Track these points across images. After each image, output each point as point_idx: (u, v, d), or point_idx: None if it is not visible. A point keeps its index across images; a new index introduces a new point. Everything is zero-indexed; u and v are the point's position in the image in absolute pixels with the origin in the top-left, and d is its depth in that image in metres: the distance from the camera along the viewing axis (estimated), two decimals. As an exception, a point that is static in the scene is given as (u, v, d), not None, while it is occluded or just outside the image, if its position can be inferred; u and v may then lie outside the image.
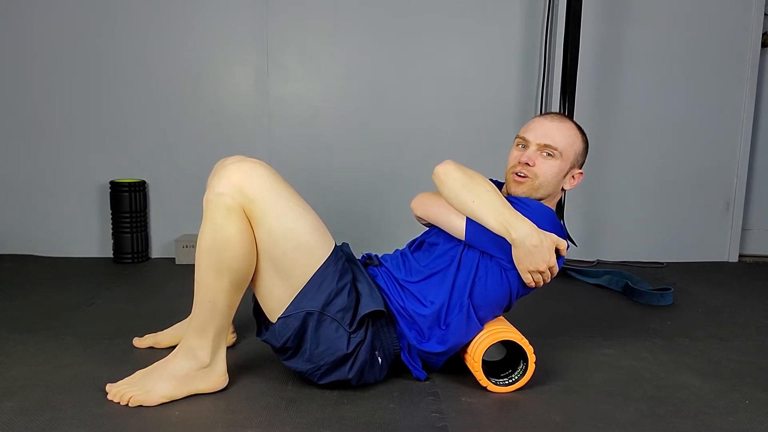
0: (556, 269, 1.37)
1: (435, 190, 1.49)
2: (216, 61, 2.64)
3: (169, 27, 2.60)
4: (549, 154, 1.44)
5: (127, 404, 1.30)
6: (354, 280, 1.42)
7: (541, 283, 1.38)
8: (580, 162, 1.49)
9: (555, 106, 2.59)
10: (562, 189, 1.50)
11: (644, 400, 1.41)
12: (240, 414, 1.30)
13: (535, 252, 1.32)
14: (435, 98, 2.70)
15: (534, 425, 1.28)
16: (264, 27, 2.62)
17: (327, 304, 1.34)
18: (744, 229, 2.91)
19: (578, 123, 1.52)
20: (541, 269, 1.34)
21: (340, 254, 1.42)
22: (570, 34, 2.48)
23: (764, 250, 2.97)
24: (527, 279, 1.36)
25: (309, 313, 1.33)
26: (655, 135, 2.77)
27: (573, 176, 1.49)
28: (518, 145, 1.49)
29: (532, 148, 1.45)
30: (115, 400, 1.32)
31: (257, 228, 1.30)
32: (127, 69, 2.61)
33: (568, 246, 1.42)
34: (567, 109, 2.51)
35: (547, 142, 1.44)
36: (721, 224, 2.86)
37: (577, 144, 1.47)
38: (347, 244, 1.56)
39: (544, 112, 1.53)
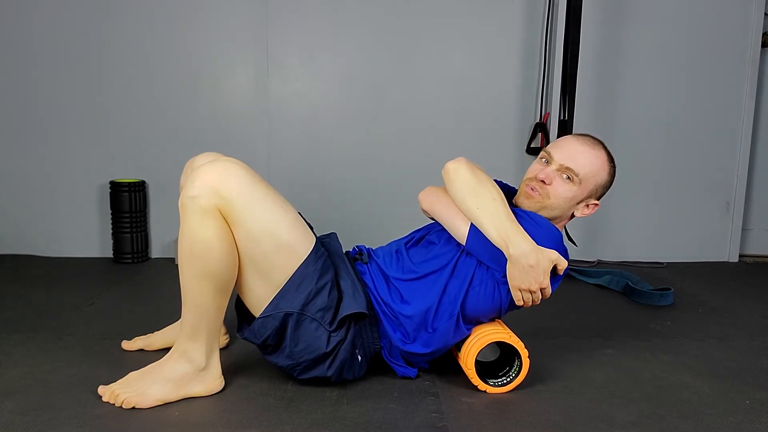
0: (549, 292, 1.34)
1: (443, 186, 1.46)
2: (216, 61, 2.64)
3: (168, 27, 2.59)
4: (568, 177, 1.40)
5: (121, 406, 1.30)
6: (337, 276, 1.41)
7: (530, 304, 1.36)
8: (599, 194, 1.45)
9: (555, 106, 2.59)
10: (573, 215, 1.46)
11: (644, 400, 1.41)
12: (239, 414, 1.30)
13: (529, 272, 1.28)
14: (435, 98, 2.70)
15: (534, 425, 1.28)
16: (264, 27, 2.62)
17: (306, 304, 1.33)
18: (744, 229, 2.91)
19: (611, 153, 1.45)
20: (533, 289, 1.31)
21: (321, 251, 1.39)
22: (570, 34, 2.47)
23: (764, 250, 2.97)
24: (517, 297, 1.34)
25: (288, 314, 1.33)
26: (655, 135, 2.77)
27: (587, 205, 1.45)
28: (542, 158, 1.45)
29: (554, 166, 1.41)
30: (111, 402, 1.31)
31: (235, 229, 1.28)
32: (127, 69, 2.60)
33: (567, 268, 1.38)
34: (567, 109, 2.51)
35: (570, 165, 1.39)
36: (721, 224, 2.85)
37: (602, 175, 1.42)
38: (335, 235, 1.54)
39: (579, 133, 1.48)
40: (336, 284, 1.39)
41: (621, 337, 1.83)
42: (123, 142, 2.65)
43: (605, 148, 1.45)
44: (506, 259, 1.30)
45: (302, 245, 1.35)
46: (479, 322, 1.46)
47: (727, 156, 2.81)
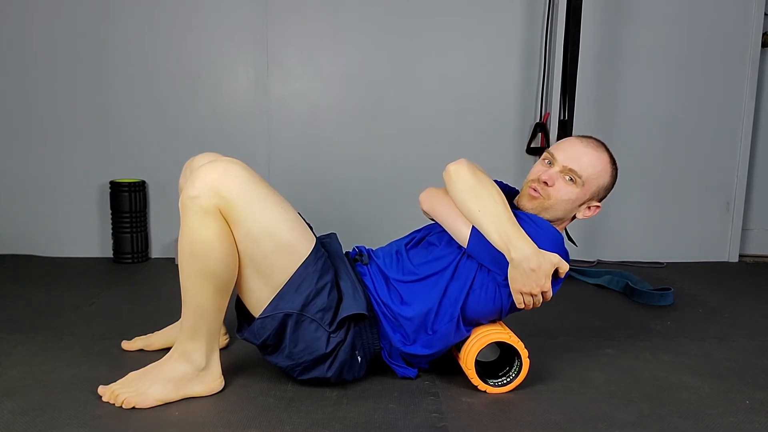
0: (550, 295, 1.34)
1: (444, 187, 1.45)
2: (216, 61, 2.64)
3: (169, 27, 2.59)
4: (571, 179, 1.40)
5: (121, 406, 1.30)
6: (336, 277, 1.40)
7: (531, 307, 1.36)
8: (601, 196, 1.45)
9: (555, 106, 2.59)
10: (574, 216, 1.46)
11: (644, 400, 1.41)
12: (239, 414, 1.30)
13: (531, 275, 1.29)
14: (435, 98, 2.70)
15: (534, 425, 1.28)
16: (264, 27, 2.62)
17: (306, 304, 1.33)
18: (744, 229, 2.91)
19: (613, 155, 1.45)
20: (534, 293, 1.31)
21: (321, 252, 1.39)
22: (570, 34, 2.48)
23: (764, 250, 2.97)
24: (518, 300, 1.34)
25: (287, 315, 1.32)
26: (655, 135, 2.77)
27: (589, 207, 1.45)
28: (544, 159, 1.44)
29: (556, 168, 1.41)
30: (111, 401, 1.31)
31: (235, 229, 1.28)
32: (127, 69, 2.60)
33: (569, 270, 1.38)
34: (567, 109, 2.51)
35: (573, 167, 1.39)
36: (721, 224, 2.85)
37: (604, 178, 1.42)
38: (335, 236, 1.54)
39: (581, 134, 1.48)
40: (336, 285, 1.39)
41: (621, 337, 1.83)
42: (123, 142, 2.65)
43: (608, 150, 1.45)
44: (507, 262, 1.30)
45: (302, 246, 1.34)
46: (479, 324, 1.46)
47: (727, 156, 2.81)
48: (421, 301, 1.41)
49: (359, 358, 1.41)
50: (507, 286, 1.35)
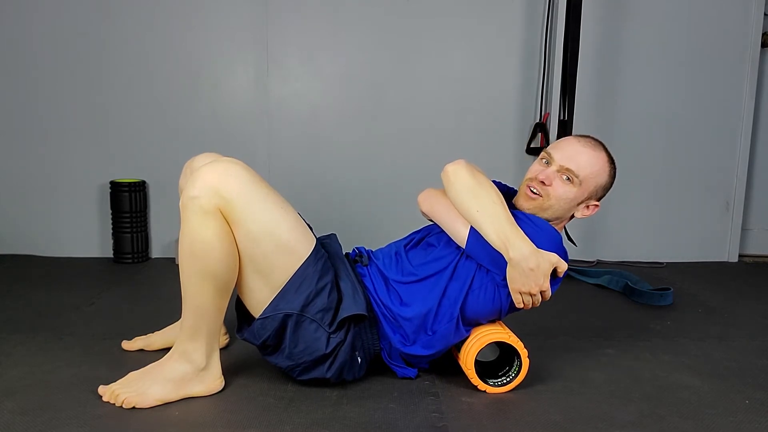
0: (549, 294, 1.34)
1: (443, 188, 1.45)
2: (216, 61, 2.64)
3: (169, 27, 2.59)
4: (568, 179, 1.39)
5: (121, 406, 1.30)
6: (336, 278, 1.40)
7: (530, 306, 1.36)
8: (599, 195, 1.45)
9: (555, 105, 2.59)
10: (573, 216, 1.46)
11: (644, 400, 1.41)
12: (239, 414, 1.30)
13: (529, 275, 1.29)
14: (435, 98, 2.70)
15: (534, 425, 1.28)
16: (264, 27, 2.62)
17: (306, 305, 1.33)
18: (744, 229, 2.91)
19: (611, 155, 1.45)
20: (533, 292, 1.31)
21: (321, 252, 1.39)
22: (570, 31, 2.47)
23: (764, 250, 2.97)
24: (517, 300, 1.34)
25: (287, 315, 1.32)
26: (655, 134, 2.77)
27: (588, 206, 1.45)
28: (542, 159, 1.44)
29: (554, 167, 1.41)
30: (111, 401, 1.31)
31: (236, 229, 1.28)
32: (127, 69, 2.60)
33: (567, 270, 1.38)
34: (567, 109, 2.51)
35: (570, 166, 1.39)
36: (721, 224, 2.85)
37: (602, 177, 1.42)
38: (335, 236, 1.54)
39: (580, 133, 1.47)
40: (336, 286, 1.39)
41: (621, 337, 1.83)
42: (123, 142, 2.65)
43: (606, 149, 1.45)
44: (506, 263, 1.30)
45: (302, 246, 1.35)
46: (479, 324, 1.46)
47: (726, 156, 2.81)
48: (421, 301, 1.41)
49: (359, 359, 1.41)
50: (506, 286, 1.35)
